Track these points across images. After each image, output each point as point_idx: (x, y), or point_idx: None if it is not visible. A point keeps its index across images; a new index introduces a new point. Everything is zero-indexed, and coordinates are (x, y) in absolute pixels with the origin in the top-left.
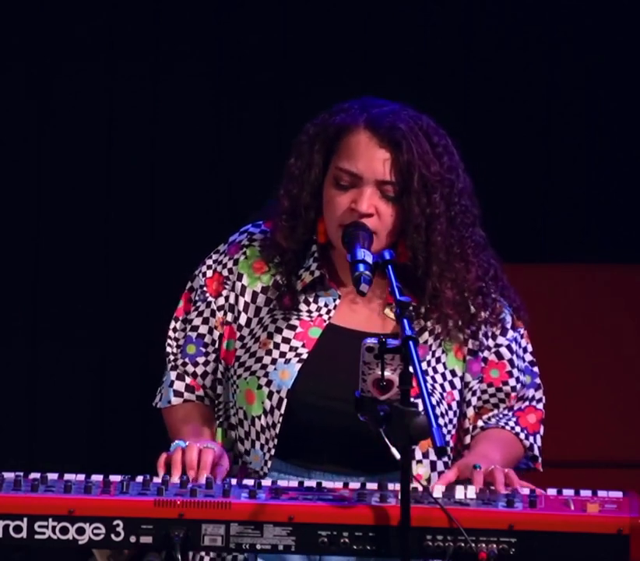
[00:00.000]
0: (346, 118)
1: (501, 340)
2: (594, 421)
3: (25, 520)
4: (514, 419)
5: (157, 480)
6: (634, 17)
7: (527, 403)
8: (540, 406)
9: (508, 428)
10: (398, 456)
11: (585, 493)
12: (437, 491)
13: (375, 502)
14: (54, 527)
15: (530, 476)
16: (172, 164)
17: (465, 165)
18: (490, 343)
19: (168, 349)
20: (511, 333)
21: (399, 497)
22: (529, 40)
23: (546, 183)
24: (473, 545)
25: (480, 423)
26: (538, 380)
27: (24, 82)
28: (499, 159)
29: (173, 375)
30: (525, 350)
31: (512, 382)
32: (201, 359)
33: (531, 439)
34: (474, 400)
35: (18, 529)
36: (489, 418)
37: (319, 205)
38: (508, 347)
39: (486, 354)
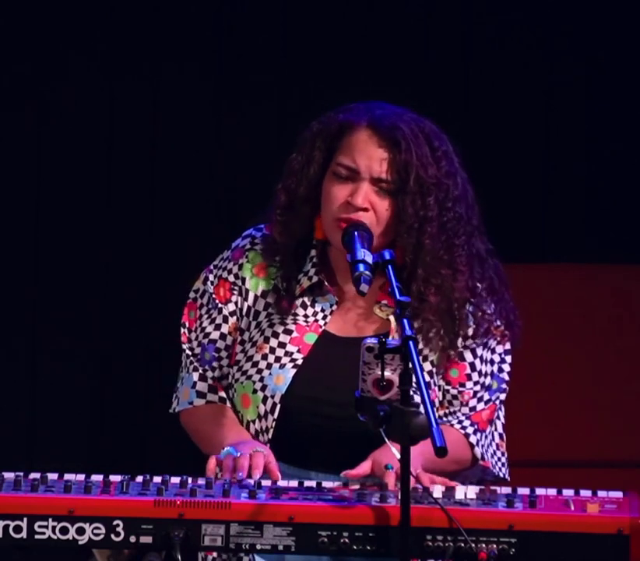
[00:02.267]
0: (349, 116)
1: (469, 342)
2: (594, 421)
3: (25, 520)
4: (468, 415)
5: (157, 480)
6: (635, 17)
7: (490, 404)
8: (499, 405)
9: (455, 422)
10: (398, 456)
11: (585, 493)
12: (437, 491)
13: (375, 502)
14: (54, 527)
15: (529, 475)
16: (172, 164)
17: (468, 172)
18: (459, 342)
19: (185, 354)
20: (481, 338)
21: (399, 497)
22: (529, 40)
23: (546, 183)
24: (473, 545)
25: None
26: (505, 385)
27: (24, 83)
28: (499, 159)
29: (195, 376)
30: (494, 352)
31: (469, 385)
32: (215, 364)
33: (479, 435)
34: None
35: (18, 529)
36: (444, 415)
37: (316, 201)
38: (473, 351)
39: (451, 352)
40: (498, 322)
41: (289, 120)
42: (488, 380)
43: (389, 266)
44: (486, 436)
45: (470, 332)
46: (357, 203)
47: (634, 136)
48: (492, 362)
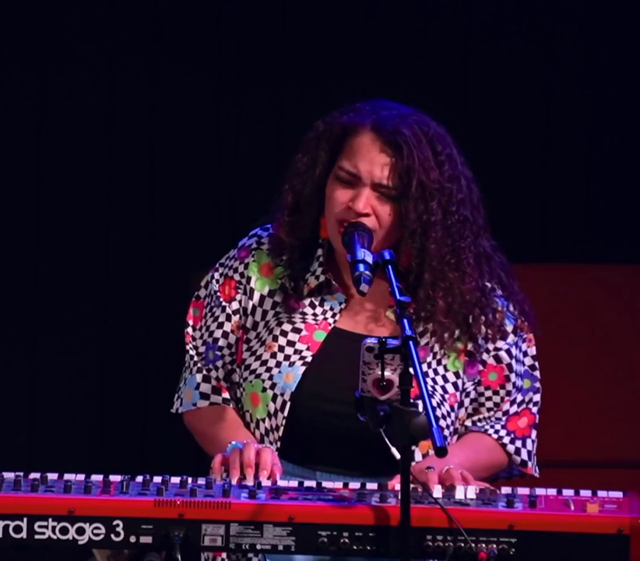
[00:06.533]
0: (354, 117)
1: (500, 343)
2: (594, 421)
3: (25, 520)
4: (502, 423)
5: (157, 480)
6: (635, 17)
7: (523, 406)
8: (535, 410)
9: (491, 431)
10: (398, 456)
11: (585, 493)
12: (437, 491)
13: (375, 502)
14: (54, 527)
15: (529, 478)
16: (172, 163)
17: (473, 174)
18: (490, 346)
19: (188, 355)
20: (511, 337)
21: (399, 497)
22: (529, 40)
23: (546, 183)
24: (473, 545)
25: (468, 423)
26: (538, 384)
27: (24, 83)
28: (500, 159)
29: (199, 377)
30: (525, 354)
31: (509, 386)
32: (219, 363)
33: (518, 443)
34: (467, 402)
35: (18, 529)
36: (478, 421)
37: (321, 201)
38: (508, 351)
39: (485, 357)
40: (515, 317)
41: (289, 120)
42: (520, 381)
43: (389, 266)
44: (533, 442)
45: (484, 330)
46: (358, 209)
47: (634, 136)
48: (524, 363)
